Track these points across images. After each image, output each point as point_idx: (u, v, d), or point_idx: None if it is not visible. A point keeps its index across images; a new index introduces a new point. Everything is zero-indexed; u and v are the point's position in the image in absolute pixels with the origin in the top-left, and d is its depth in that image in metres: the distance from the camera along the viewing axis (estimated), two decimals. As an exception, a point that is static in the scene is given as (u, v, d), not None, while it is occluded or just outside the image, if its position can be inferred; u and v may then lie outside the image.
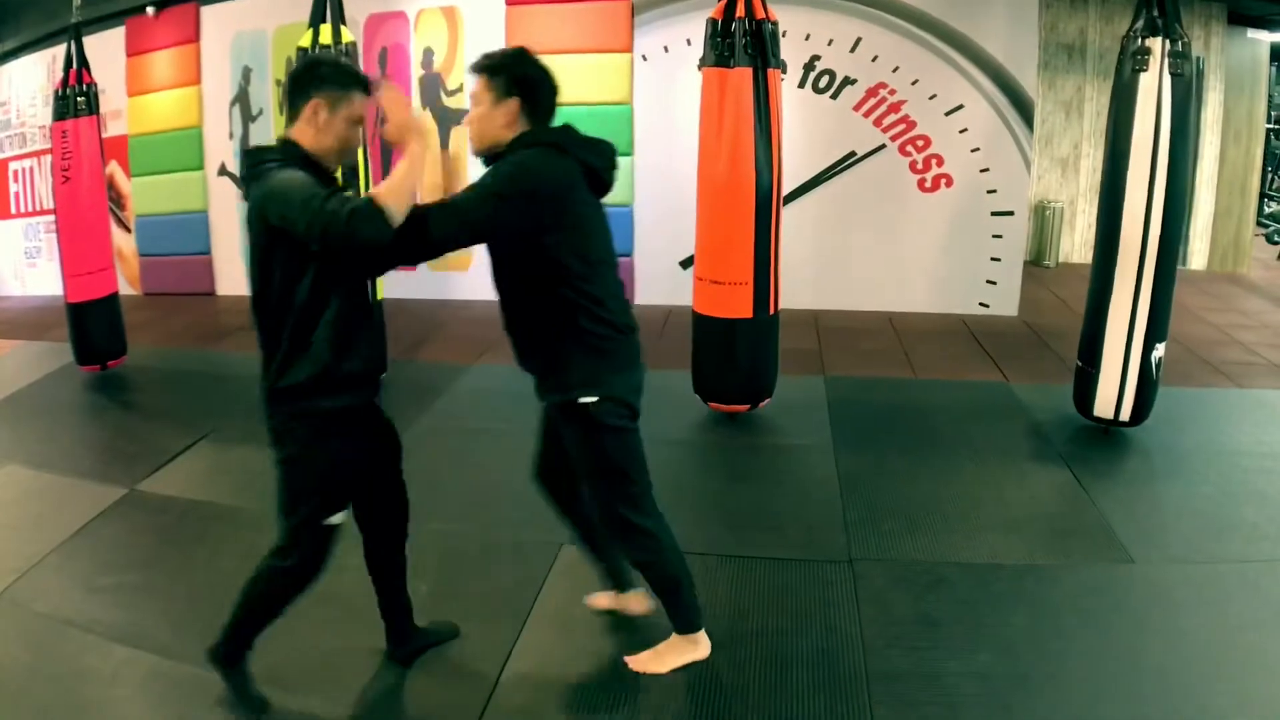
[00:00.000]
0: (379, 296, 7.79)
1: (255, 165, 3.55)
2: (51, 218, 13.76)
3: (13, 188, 14.75)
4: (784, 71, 6.75)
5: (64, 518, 6.05)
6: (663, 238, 10.14)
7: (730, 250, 6.44)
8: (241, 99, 12.03)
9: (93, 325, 9.11)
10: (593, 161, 3.69)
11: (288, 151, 3.58)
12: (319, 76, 3.62)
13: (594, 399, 3.68)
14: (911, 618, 4.41)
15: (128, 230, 12.81)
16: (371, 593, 4.12)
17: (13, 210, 14.80)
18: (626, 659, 4.11)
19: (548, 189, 3.56)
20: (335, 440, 3.66)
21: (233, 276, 12.31)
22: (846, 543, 5.11)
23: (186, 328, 11.13)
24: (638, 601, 4.39)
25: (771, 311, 6.62)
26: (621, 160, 9.44)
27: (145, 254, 12.93)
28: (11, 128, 14.59)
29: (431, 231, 3.49)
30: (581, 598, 4.57)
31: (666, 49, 9.94)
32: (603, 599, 4.51)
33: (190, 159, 12.44)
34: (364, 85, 3.69)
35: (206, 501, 6.00)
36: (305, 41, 7.51)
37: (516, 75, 3.66)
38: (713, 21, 6.41)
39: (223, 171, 12.36)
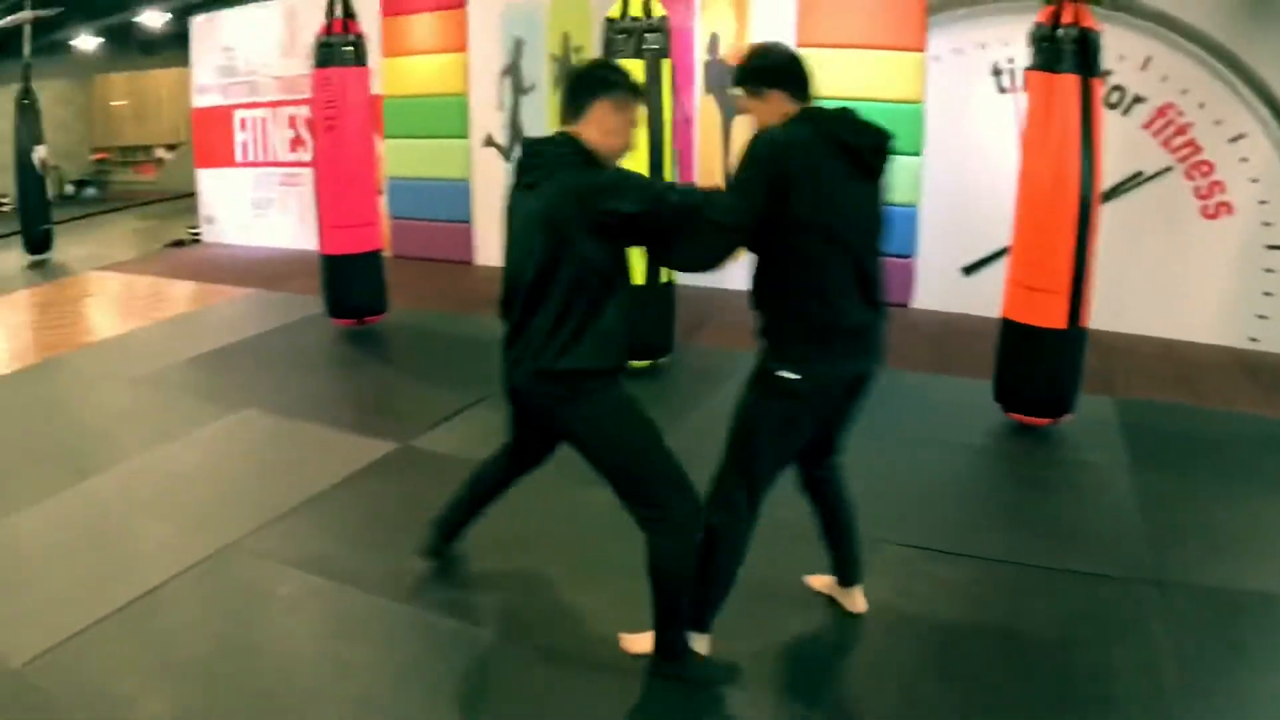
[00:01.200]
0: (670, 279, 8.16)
1: (553, 157, 3.97)
2: (287, 170, 14.48)
3: (240, 136, 15.40)
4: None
5: (323, 467, 6.36)
6: (947, 242, 10.35)
7: (1049, 257, 6.60)
8: (513, 71, 12.44)
9: (352, 280, 9.47)
10: (841, 134, 3.87)
11: (578, 147, 3.99)
12: (609, 81, 4.05)
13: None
14: (1216, 638, 4.54)
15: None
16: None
17: (238, 159, 15.46)
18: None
19: (773, 152, 3.81)
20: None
21: (493, 247, 12.55)
22: (1152, 563, 5.23)
23: (445, 293, 11.48)
24: (857, 601, 4.62)
25: (1083, 324, 6.75)
26: (909, 160, 9.71)
27: (397, 217, 13.44)
28: (238, 75, 15.20)
29: (717, 232, 3.87)
30: (899, 596, 4.80)
31: (959, 51, 10.14)
32: (819, 580, 4.77)
33: (454, 126, 12.92)
34: (642, 94, 4.19)
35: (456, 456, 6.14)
36: (614, 13, 7.78)
37: (762, 70, 4.04)
38: (1039, 26, 6.57)
39: (489, 142, 12.77)
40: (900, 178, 10.01)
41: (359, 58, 9.36)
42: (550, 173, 3.92)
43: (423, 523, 5.06)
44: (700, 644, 4.23)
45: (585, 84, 4.07)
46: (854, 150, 3.87)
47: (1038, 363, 6.83)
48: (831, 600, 4.70)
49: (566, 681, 4.20)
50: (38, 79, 15.43)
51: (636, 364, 7.86)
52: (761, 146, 3.87)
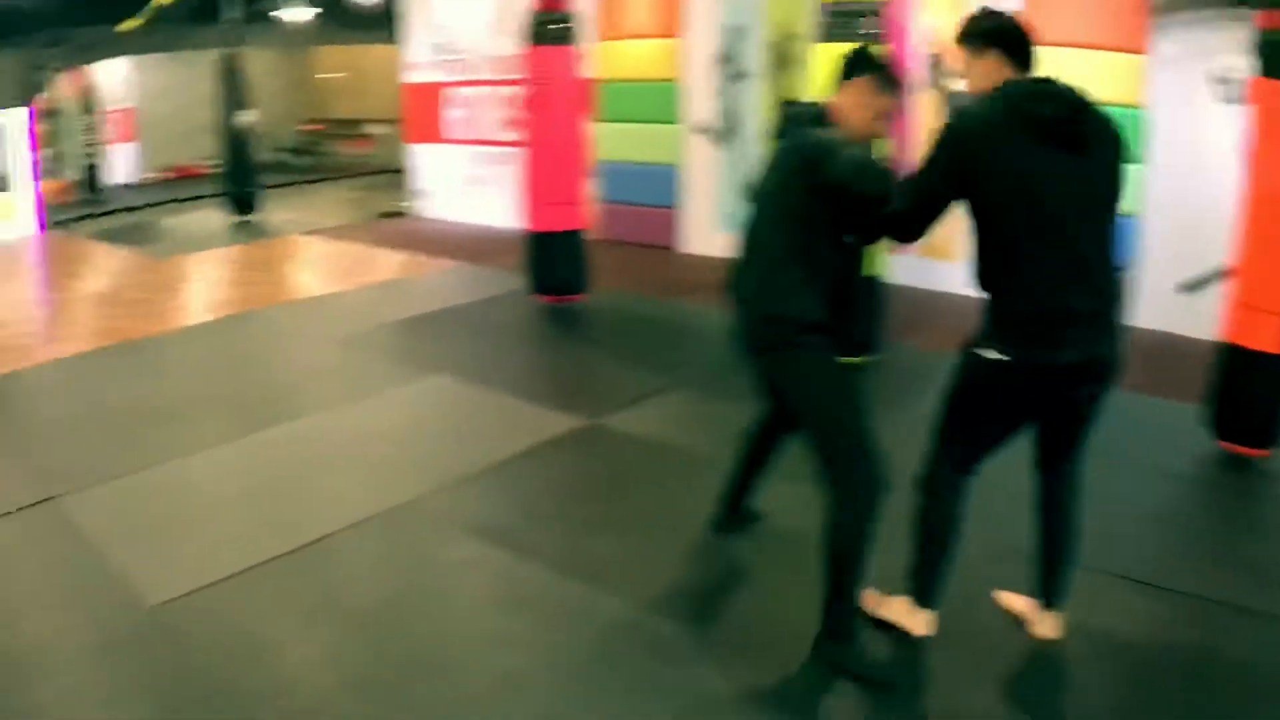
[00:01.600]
0: (878, 273, 8.03)
1: (795, 118, 4.27)
2: (499, 149, 14.60)
3: (453, 114, 15.60)
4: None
5: (509, 437, 6.38)
6: (1165, 257, 9.67)
7: (1274, 275, 6.17)
8: (727, 57, 12.27)
9: (556, 256, 9.55)
10: (1033, 109, 3.68)
11: (822, 113, 4.21)
12: (875, 64, 4.21)
13: None
14: None
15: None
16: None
17: (449, 136, 15.71)
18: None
19: (955, 133, 3.78)
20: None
21: (699, 233, 12.73)
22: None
23: (649, 278, 11.39)
24: (1050, 626, 4.36)
25: None
26: (1131, 168, 9.23)
27: (606, 200, 13.45)
28: (450, 52, 15.41)
29: (897, 208, 3.94)
30: (1078, 622, 4.44)
31: (1184, 55, 9.53)
32: (1013, 599, 4.55)
33: (666, 111, 12.83)
34: (897, 89, 4.27)
35: (684, 447, 6.07)
36: (833, -4, 7.68)
37: (986, 30, 3.90)
38: (1262, 31, 6.13)
39: (701, 128, 12.62)
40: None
41: (570, 36, 9.42)
42: (790, 132, 4.22)
43: (604, 499, 5.10)
44: (919, 620, 4.26)
45: (851, 61, 4.25)
46: (1041, 123, 3.69)
47: (1255, 389, 6.39)
48: (1019, 620, 4.48)
49: (731, 680, 4.08)
50: (251, 49, 15.83)
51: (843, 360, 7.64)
52: (946, 128, 3.84)
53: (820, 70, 7.74)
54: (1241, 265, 6.45)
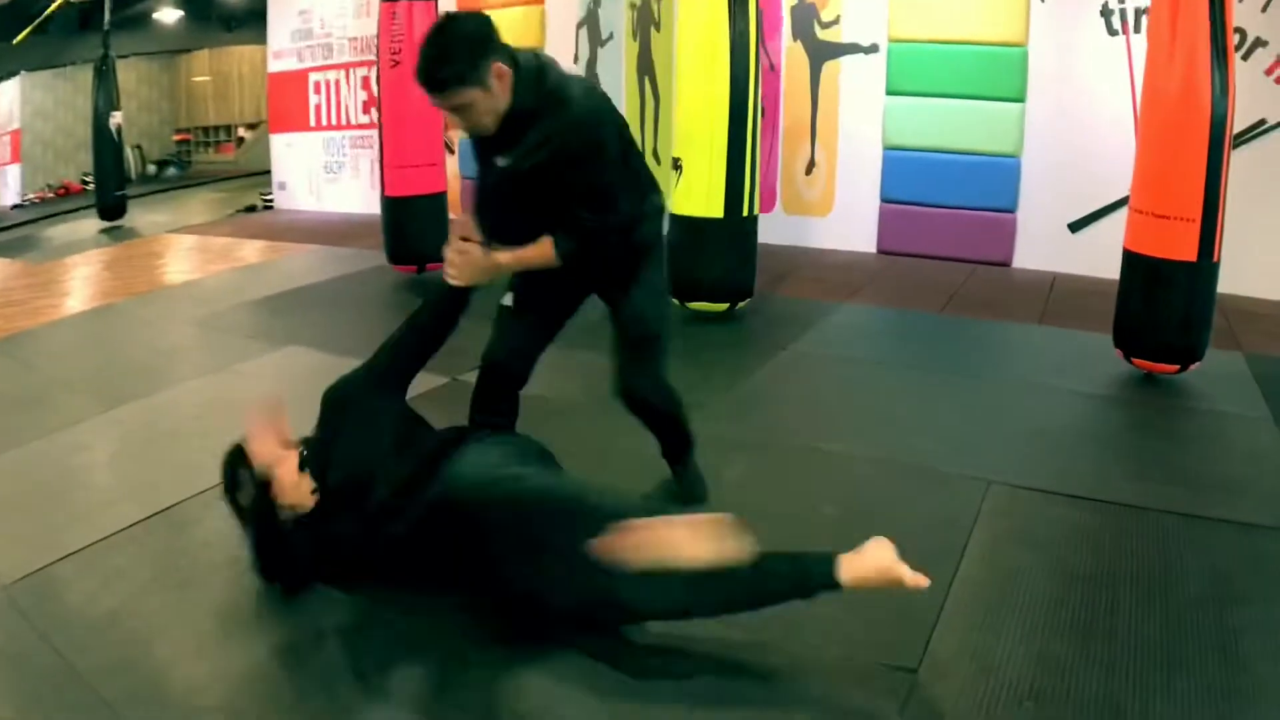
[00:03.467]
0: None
1: None
2: (358, 133, 14.03)
3: (313, 100, 15.07)
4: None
5: None
6: (1051, 196, 9.35)
7: (1178, 181, 5.85)
8: (590, 22, 11.78)
9: (413, 223, 9.09)
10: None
11: None
12: None
13: None
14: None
15: (451, 152, 12.43)
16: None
17: (311, 123, 15.14)
18: None
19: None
20: None
21: None
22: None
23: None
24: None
25: (1216, 258, 5.97)
26: (1011, 107, 8.95)
27: (469, 177, 12.72)
28: (314, 38, 14.83)
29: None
30: (1019, 539, 4.25)
31: None
32: None
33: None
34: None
35: (541, 396, 5.68)
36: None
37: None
38: None
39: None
40: (1001, 127, 9.39)
41: (426, -8, 8.93)
42: None
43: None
44: None
45: None
46: None
47: (1165, 300, 6.04)
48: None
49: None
50: (124, 60, 15.31)
51: (714, 307, 7.52)
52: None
53: None
54: (1141, 170, 6.14)
